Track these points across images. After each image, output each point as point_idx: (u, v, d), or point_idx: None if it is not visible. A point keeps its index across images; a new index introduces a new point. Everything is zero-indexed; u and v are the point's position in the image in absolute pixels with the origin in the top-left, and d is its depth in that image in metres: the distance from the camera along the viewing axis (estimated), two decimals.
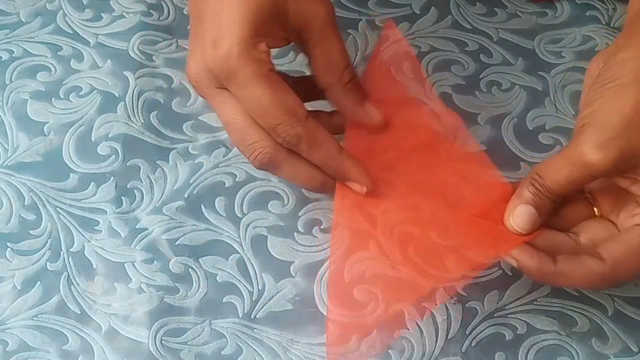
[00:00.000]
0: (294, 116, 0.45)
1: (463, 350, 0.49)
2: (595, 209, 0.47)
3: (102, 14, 0.62)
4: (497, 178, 0.49)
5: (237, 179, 0.54)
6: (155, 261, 0.51)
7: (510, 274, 0.51)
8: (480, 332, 0.49)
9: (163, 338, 0.48)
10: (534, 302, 0.50)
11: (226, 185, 0.54)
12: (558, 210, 0.46)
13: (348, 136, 0.50)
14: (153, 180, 0.54)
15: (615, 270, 0.43)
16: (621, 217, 0.46)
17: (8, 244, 0.51)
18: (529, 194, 0.45)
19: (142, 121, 0.57)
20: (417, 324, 0.49)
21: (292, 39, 0.47)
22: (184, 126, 0.56)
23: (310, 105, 0.48)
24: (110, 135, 0.56)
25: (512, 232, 0.46)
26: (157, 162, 0.55)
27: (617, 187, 0.46)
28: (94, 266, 0.51)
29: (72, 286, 0.50)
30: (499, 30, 0.62)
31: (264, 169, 0.47)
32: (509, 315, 0.50)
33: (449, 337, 0.49)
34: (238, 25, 0.43)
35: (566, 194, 0.45)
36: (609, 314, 0.50)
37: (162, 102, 0.58)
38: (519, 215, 0.45)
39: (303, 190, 0.54)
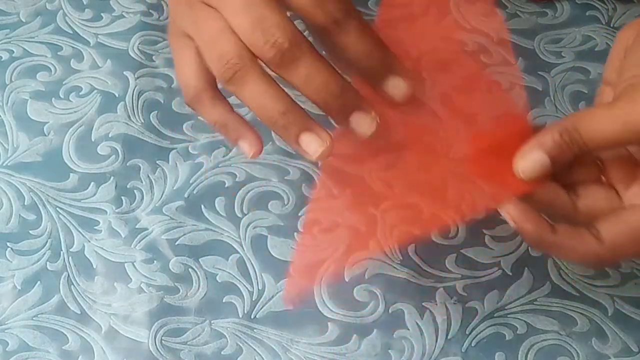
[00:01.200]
0: (276, 16, 0.39)
1: (463, 350, 0.49)
2: (602, 176, 0.43)
3: (102, 14, 0.62)
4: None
5: (237, 179, 0.54)
6: (155, 261, 0.51)
7: (510, 273, 0.51)
8: (480, 332, 0.49)
9: (163, 338, 0.48)
10: (534, 302, 0.50)
11: (226, 185, 0.54)
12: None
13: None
14: (153, 180, 0.54)
15: (613, 253, 0.40)
16: (631, 191, 0.42)
17: (8, 244, 0.51)
18: (552, 143, 0.40)
19: (142, 121, 0.57)
20: (417, 324, 0.49)
21: None
22: (184, 126, 0.56)
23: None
24: (110, 135, 0.56)
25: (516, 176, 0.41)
26: (157, 162, 0.55)
27: (635, 159, 0.43)
28: (94, 266, 0.51)
29: (72, 286, 0.50)
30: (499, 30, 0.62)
31: (227, 82, 0.40)
32: (509, 315, 0.50)
33: (449, 337, 0.49)
34: None
35: (597, 153, 0.41)
36: (609, 314, 0.50)
37: (162, 102, 0.58)
38: (530, 161, 0.41)
39: (303, 190, 0.54)
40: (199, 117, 0.57)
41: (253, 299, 0.50)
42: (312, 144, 0.41)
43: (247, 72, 0.40)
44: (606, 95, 0.45)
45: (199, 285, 0.50)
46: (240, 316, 0.49)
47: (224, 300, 0.50)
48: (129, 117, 0.57)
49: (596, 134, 0.40)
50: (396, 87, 0.42)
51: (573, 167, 0.42)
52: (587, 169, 0.43)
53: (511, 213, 0.41)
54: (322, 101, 0.40)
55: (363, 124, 0.41)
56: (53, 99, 0.57)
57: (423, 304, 0.50)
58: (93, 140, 0.56)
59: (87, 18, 0.62)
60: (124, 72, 0.59)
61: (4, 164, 0.54)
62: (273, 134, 0.56)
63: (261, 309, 0.50)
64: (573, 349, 0.49)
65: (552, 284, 0.51)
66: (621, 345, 0.49)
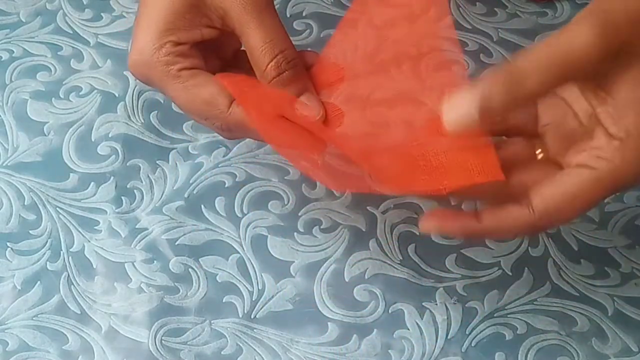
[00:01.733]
0: (215, 108, 0.43)
1: (463, 350, 0.49)
2: (538, 151, 0.41)
3: (102, 14, 0.62)
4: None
5: (237, 179, 0.54)
6: (155, 261, 0.51)
7: (510, 273, 0.51)
8: (480, 332, 0.49)
9: (163, 338, 0.48)
10: (534, 302, 0.50)
11: (226, 185, 0.54)
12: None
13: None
14: (153, 180, 0.54)
15: (545, 219, 0.38)
16: (568, 155, 0.40)
17: (8, 244, 0.51)
18: (483, 86, 0.36)
19: (142, 121, 0.57)
20: (417, 324, 0.49)
21: (222, 28, 0.44)
22: (184, 126, 0.56)
23: None
24: (110, 135, 0.56)
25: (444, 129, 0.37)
26: (157, 162, 0.55)
27: (575, 123, 0.40)
28: (94, 266, 0.51)
29: (72, 286, 0.50)
30: (499, 30, 0.62)
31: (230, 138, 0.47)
32: (509, 315, 0.50)
33: (449, 337, 0.49)
34: (147, 28, 0.43)
35: (542, 93, 0.37)
36: (609, 314, 0.50)
37: (162, 102, 0.58)
38: (456, 106, 0.37)
39: (303, 190, 0.54)
40: None
41: (253, 299, 0.50)
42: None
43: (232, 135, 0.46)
44: None
45: (199, 285, 0.50)
46: (240, 316, 0.49)
47: (224, 300, 0.50)
48: (129, 117, 0.57)
49: (537, 69, 0.36)
50: (306, 113, 0.44)
51: (505, 143, 0.41)
52: (517, 149, 0.41)
53: (430, 226, 0.40)
54: None
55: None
56: (53, 99, 0.57)
57: (423, 304, 0.50)
58: (93, 140, 0.56)
59: (87, 18, 0.62)
60: (124, 72, 0.59)
61: (4, 164, 0.54)
62: None
63: (261, 309, 0.50)
64: (573, 349, 0.49)
65: (552, 284, 0.51)
66: (621, 345, 0.49)
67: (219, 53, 0.47)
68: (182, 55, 0.43)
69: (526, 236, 0.50)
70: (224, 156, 0.55)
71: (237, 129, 0.44)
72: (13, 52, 0.60)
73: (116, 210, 0.53)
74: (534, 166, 0.41)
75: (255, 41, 0.43)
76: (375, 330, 0.49)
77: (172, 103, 0.57)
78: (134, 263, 0.51)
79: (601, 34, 0.35)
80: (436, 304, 0.50)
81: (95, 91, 0.58)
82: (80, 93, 0.58)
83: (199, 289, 0.50)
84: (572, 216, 0.38)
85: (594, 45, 0.36)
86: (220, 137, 0.56)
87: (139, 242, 0.52)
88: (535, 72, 0.36)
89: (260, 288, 0.50)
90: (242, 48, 0.45)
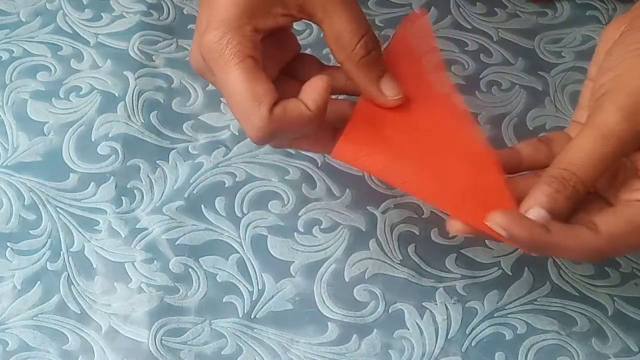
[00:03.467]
0: (256, 107, 0.42)
1: (463, 350, 0.49)
2: None
3: (102, 14, 0.62)
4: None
5: (237, 179, 0.54)
6: (155, 261, 0.51)
7: (510, 273, 0.51)
8: (480, 332, 0.49)
9: (163, 338, 0.48)
10: (534, 302, 0.50)
11: (226, 185, 0.54)
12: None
13: (359, 109, 0.47)
14: (153, 180, 0.54)
15: (611, 246, 0.40)
16: (620, 193, 0.41)
17: (8, 244, 0.51)
18: (543, 194, 0.40)
19: (142, 121, 0.57)
20: (417, 323, 0.49)
21: (298, 15, 0.45)
22: (184, 126, 0.56)
23: None
24: (110, 135, 0.56)
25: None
26: (157, 162, 0.55)
27: (620, 163, 0.42)
28: (94, 266, 0.51)
29: (72, 286, 0.50)
30: (499, 30, 0.62)
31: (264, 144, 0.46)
32: (509, 315, 0.50)
33: (449, 337, 0.49)
34: (225, 9, 0.42)
35: (596, 180, 0.40)
36: (609, 314, 0.50)
37: (162, 102, 0.58)
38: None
39: (303, 190, 0.54)
40: (199, 117, 0.57)
41: (253, 299, 0.50)
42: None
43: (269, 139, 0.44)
44: (587, 90, 0.45)
45: (199, 285, 0.50)
46: (240, 316, 0.49)
47: (224, 300, 0.50)
48: (129, 117, 0.57)
49: (585, 163, 0.39)
50: (383, 101, 0.45)
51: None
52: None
53: (499, 222, 0.40)
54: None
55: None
56: (53, 98, 0.57)
57: (423, 304, 0.50)
58: (93, 140, 0.56)
59: (87, 18, 0.62)
60: (124, 72, 0.59)
61: (4, 164, 0.54)
62: None
63: (261, 309, 0.50)
64: (573, 348, 0.49)
65: (552, 283, 0.51)
66: (621, 345, 0.49)
67: (280, 55, 0.46)
68: (254, 43, 0.43)
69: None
70: (224, 156, 0.55)
71: (276, 129, 0.43)
72: (13, 52, 0.60)
73: (116, 210, 0.53)
74: (588, 198, 0.42)
75: (342, 23, 0.44)
76: (375, 330, 0.49)
77: (172, 102, 0.57)
78: (134, 263, 0.51)
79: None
80: (436, 304, 0.50)
81: (95, 91, 0.58)
82: (80, 93, 0.58)
83: (199, 289, 0.50)
84: (637, 244, 0.40)
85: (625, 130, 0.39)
86: (220, 137, 0.56)
87: (139, 242, 0.52)
88: (587, 169, 0.39)
89: (260, 288, 0.50)
90: (302, 52, 0.47)
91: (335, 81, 0.46)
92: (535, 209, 0.40)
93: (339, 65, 0.45)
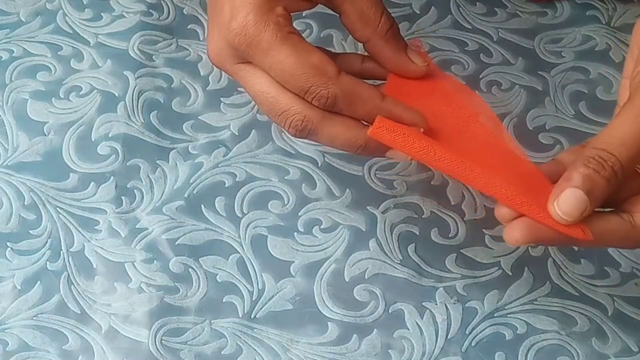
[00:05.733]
0: (324, 75, 0.42)
1: (463, 350, 0.49)
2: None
3: (102, 14, 0.62)
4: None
5: (237, 179, 0.54)
6: (155, 261, 0.51)
7: (510, 273, 0.51)
8: (480, 332, 0.49)
9: (163, 338, 0.48)
10: (534, 302, 0.50)
11: (226, 185, 0.54)
12: None
13: (389, 86, 0.47)
14: (153, 180, 0.54)
15: None
16: None
17: (8, 243, 0.51)
18: (579, 175, 0.38)
19: (142, 121, 0.57)
20: (417, 323, 0.49)
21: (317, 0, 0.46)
22: (184, 126, 0.56)
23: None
24: (110, 135, 0.56)
25: (557, 220, 0.39)
26: (157, 161, 0.55)
27: None
28: (94, 266, 0.51)
29: (72, 286, 0.50)
30: (499, 30, 0.62)
31: (302, 137, 0.44)
32: (509, 315, 0.50)
33: (449, 337, 0.49)
34: None
35: (636, 162, 0.39)
36: (609, 314, 0.50)
37: (162, 101, 0.58)
38: (564, 200, 0.38)
39: (303, 190, 0.54)
40: (199, 117, 0.57)
41: (253, 299, 0.50)
42: (400, 156, 0.44)
43: (316, 125, 0.43)
44: (624, 90, 0.44)
45: (199, 285, 0.50)
46: (240, 316, 0.49)
47: (224, 300, 0.50)
48: (129, 117, 0.57)
49: (627, 145, 0.38)
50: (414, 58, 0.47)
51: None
52: (628, 180, 0.40)
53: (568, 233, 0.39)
54: (353, 153, 0.45)
55: (401, 156, 0.45)
56: (53, 98, 0.57)
57: (423, 304, 0.50)
58: (93, 140, 0.56)
59: (87, 18, 0.62)
60: (124, 72, 0.59)
61: (4, 164, 0.54)
62: (273, 133, 0.56)
63: (261, 309, 0.50)
64: (573, 348, 0.49)
65: (552, 283, 0.51)
66: (621, 345, 0.49)
67: None
68: (289, 21, 0.43)
69: (622, 248, 0.49)
70: (224, 156, 0.55)
71: (344, 97, 0.43)
72: (13, 51, 0.60)
73: (116, 210, 0.53)
74: (633, 180, 0.41)
75: (364, 2, 0.46)
76: (375, 330, 0.49)
77: (172, 102, 0.57)
78: (134, 263, 0.51)
79: None
80: (436, 304, 0.50)
81: (95, 91, 0.58)
82: (80, 93, 0.58)
83: (199, 288, 0.50)
84: None
85: None
86: (220, 137, 0.56)
87: (139, 242, 0.52)
88: (625, 151, 0.38)
89: (260, 288, 0.50)
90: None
91: (350, 66, 0.46)
92: (571, 189, 0.38)
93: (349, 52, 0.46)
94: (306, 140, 0.55)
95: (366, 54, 0.48)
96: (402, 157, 0.44)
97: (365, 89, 0.43)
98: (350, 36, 0.48)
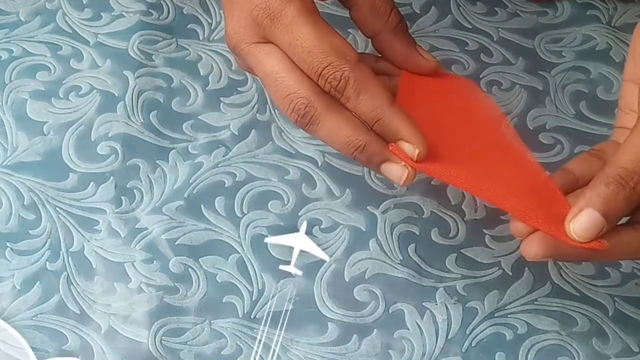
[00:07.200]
0: (342, 57, 0.42)
1: (463, 350, 0.49)
2: None
3: (101, 14, 0.62)
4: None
5: (237, 179, 0.54)
6: (155, 261, 0.51)
7: (511, 273, 0.51)
8: (480, 332, 0.49)
9: (163, 338, 0.48)
10: (534, 302, 0.50)
11: (226, 185, 0.54)
12: None
13: (401, 88, 0.47)
14: (153, 180, 0.54)
15: None
16: None
17: (8, 243, 0.51)
18: (598, 198, 0.38)
19: (142, 121, 0.57)
20: (417, 324, 0.49)
21: None
22: (183, 126, 0.56)
23: None
24: (110, 135, 0.56)
25: (573, 239, 0.39)
26: (157, 161, 0.55)
27: None
28: (94, 266, 0.51)
29: (71, 286, 0.50)
30: (499, 29, 0.62)
31: (303, 125, 0.43)
32: (509, 315, 0.50)
33: (449, 337, 0.49)
34: None
35: None
36: (610, 314, 0.50)
37: (162, 101, 0.58)
38: (581, 221, 0.38)
39: (303, 190, 0.54)
40: (198, 117, 0.57)
41: (253, 299, 0.50)
42: (394, 171, 0.43)
43: (319, 113, 0.42)
44: (627, 93, 0.44)
45: (198, 285, 0.50)
46: (240, 316, 0.49)
47: (224, 300, 0.50)
48: (128, 116, 0.57)
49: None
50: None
51: None
52: None
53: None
54: (349, 155, 0.43)
55: (394, 172, 0.43)
56: (52, 98, 0.57)
57: (423, 304, 0.50)
58: (93, 140, 0.56)
59: (87, 17, 0.62)
60: (124, 72, 0.59)
61: (3, 164, 0.54)
62: (273, 133, 0.56)
63: (261, 309, 0.50)
64: (573, 349, 0.49)
65: (552, 283, 0.51)
66: (622, 345, 0.49)
67: None
68: (313, 0, 0.43)
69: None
70: (223, 156, 0.55)
71: (356, 84, 0.42)
72: (12, 51, 0.59)
73: (116, 210, 0.53)
74: None
75: None
76: (375, 330, 0.49)
77: (172, 102, 0.57)
78: (134, 263, 0.51)
79: None
80: (436, 304, 0.50)
81: (95, 91, 0.58)
82: (80, 93, 0.58)
83: (198, 289, 0.50)
84: None
85: None
86: (220, 137, 0.56)
87: (139, 242, 0.52)
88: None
89: (260, 288, 0.50)
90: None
91: None
92: (588, 211, 0.38)
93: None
94: (306, 139, 0.55)
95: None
96: (396, 175, 0.43)
97: (379, 86, 0.42)
98: (355, 38, 0.48)
